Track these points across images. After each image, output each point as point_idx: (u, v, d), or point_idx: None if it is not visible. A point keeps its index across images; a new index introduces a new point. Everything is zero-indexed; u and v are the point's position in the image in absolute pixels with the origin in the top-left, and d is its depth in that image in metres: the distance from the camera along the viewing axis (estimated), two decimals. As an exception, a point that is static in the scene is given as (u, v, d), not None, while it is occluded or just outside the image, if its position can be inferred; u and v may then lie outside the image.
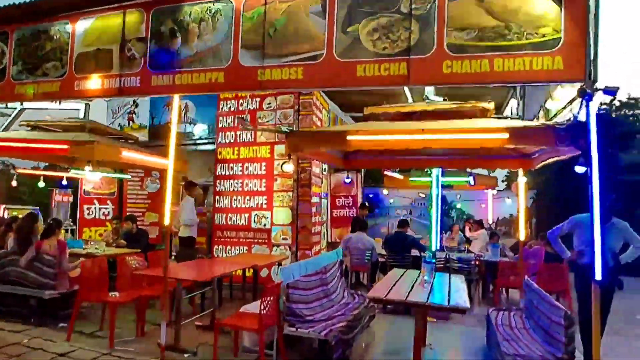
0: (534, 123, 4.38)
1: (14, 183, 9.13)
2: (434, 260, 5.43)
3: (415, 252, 8.06)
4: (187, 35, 4.90)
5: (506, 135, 3.67)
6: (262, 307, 4.32)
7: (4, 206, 9.99)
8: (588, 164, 3.47)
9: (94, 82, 5.36)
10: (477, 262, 8.14)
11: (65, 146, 5.62)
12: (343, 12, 4.23)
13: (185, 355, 4.85)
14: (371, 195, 14.48)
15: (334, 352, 4.38)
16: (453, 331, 6.30)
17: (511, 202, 14.12)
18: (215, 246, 8.49)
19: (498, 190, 13.06)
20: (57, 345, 5.08)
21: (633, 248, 4.99)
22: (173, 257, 8.65)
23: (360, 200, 12.71)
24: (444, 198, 14.08)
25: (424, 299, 4.40)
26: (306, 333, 4.55)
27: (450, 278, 5.83)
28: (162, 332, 4.68)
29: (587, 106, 3.58)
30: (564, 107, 5.42)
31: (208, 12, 4.83)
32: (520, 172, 6.59)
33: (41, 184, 9.13)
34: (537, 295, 4.86)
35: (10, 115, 8.41)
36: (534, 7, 3.87)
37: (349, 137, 4.13)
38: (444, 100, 5.32)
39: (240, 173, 8.39)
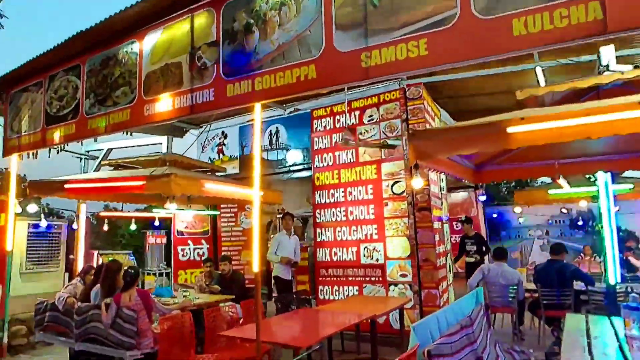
0: None
1: (105, 227, 8.81)
2: (642, 307, 3.63)
3: (578, 285, 6.13)
4: (265, 27, 3.84)
5: None
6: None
7: (97, 252, 9.74)
8: None
9: (164, 103, 4.50)
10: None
11: (140, 182, 4.82)
12: (482, -56, 2.85)
13: None
14: (495, 215, 12.38)
15: None
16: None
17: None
18: (320, 287, 7.24)
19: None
20: None
21: None
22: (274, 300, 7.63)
23: (481, 223, 10.84)
24: (592, 212, 11.54)
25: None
26: None
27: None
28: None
29: None
30: None
31: (289, -8, 3.73)
32: None
33: (132, 227, 8.70)
34: None
35: (98, 158, 8.13)
36: None
37: (509, 129, 2.66)
38: (636, 68, 3.63)
39: (342, 199, 7.11)
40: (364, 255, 6.87)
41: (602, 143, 4.58)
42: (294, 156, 8.34)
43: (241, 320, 5.66)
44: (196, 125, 8.84)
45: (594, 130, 2.55)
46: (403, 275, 6.54)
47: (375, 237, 6.80)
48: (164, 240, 10.30)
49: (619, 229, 11.79)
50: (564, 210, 11.58)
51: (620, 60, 4.04)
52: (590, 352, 3.37)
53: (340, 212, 7.13)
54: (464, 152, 3.39)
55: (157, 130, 7.79)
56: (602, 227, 5.16)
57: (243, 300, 5.75)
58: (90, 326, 5.27)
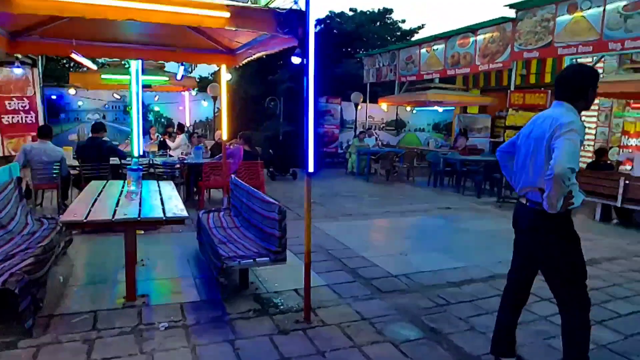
0: (256, 5, 4.01)
1: None
2: (141, 167, 4.75)
3: (114, 160, 7.12)
4: None
5: (227, 14, 3.20)
6: None
7: None
8: (305, 55, 3.35)
9: None
10: (181, 166, 7.94)
11: None
12: None
13: None
14: (54, 97, 11.91)
15: (20, 302, 3.11)
16: (164, 241, 5.90)
17: (207, 104, 13.93)
18: None
19: (197, 91, 12.62)
20: None
21: None
22: None
23: (39, 102, 10.25)
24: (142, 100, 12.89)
25: (135, 214, 3.77)
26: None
27: (159, 185, 5.33)
28: None
29: (307, -4, 3.35)
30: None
31: None
32: (223, 69, 6.33)
33: None
34: (247, 194, 4.86)
35: None
36: None
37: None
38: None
39: None
40: None
41: (139, 32, 5.17)
42: None
43: None
44: None
45: (86, 9, 2.95)
46: None
47: None
48: None
49: (161, 116, 13.92)
50: (117, 96, 12.41)
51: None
52: (95, 201, 4.26)
53: None
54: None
55: None
56: (131, 109, 6.09)
57: None
58: None
